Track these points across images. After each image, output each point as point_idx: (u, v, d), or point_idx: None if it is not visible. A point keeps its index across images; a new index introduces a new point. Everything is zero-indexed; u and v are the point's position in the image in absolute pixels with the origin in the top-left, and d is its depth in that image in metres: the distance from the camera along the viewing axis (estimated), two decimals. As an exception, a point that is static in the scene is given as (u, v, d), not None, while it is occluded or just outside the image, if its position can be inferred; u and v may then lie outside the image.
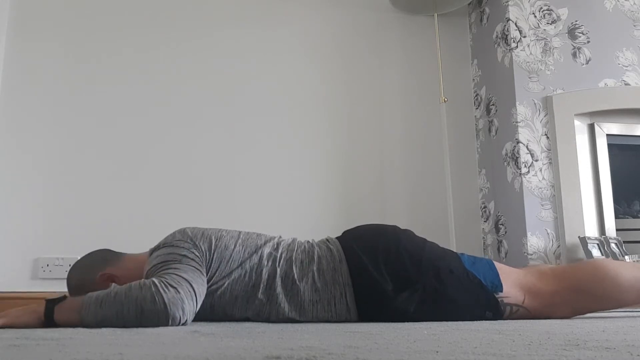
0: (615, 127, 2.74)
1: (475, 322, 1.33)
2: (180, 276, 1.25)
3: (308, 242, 1.50)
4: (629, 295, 1.42)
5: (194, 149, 2.71)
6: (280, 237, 1.52)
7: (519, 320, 1.37)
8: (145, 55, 2.76)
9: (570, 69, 2.69)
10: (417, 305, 1.36)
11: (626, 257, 2.46)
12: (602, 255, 2.39)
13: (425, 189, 2.86)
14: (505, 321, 1.36)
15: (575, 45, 2.73)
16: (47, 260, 2.49)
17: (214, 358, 0.65)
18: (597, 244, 2.43)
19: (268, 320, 1.38)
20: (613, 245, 2.47)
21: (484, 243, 2.88)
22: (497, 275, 1.41)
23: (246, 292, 1.38)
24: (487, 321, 1.36)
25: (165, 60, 2.77)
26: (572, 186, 2.55)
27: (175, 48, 2.79)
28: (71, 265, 1.50)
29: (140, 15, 2.80)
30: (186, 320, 1.21)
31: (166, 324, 1.18)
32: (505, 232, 2.68)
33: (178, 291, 1.20)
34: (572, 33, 2.74)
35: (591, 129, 2.70)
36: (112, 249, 1.56)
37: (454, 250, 1.59)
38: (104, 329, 1.09)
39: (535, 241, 2.50)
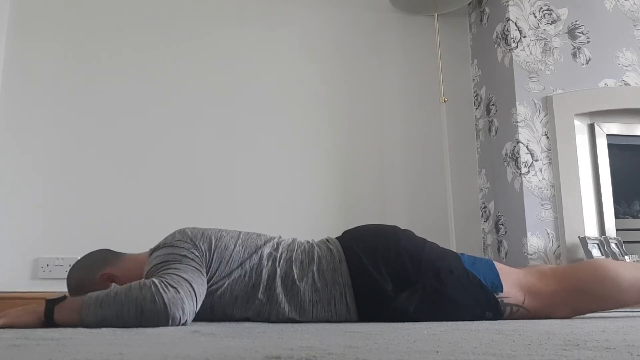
0: (615, 127, 2.74)
1: (475, 322, 1.33)
2: (180, 276, 1.25)
3: (308, 242, 1.50)
4: (629, 295, 1.42)
5: (194, 149, 2.71)
6: (280, 237, 1.52)
7: (519, 320, 1.37)
8: (145, 55, 2.76)
9: (570, 69, 2.69)
10: (417, 305, 1.36)
11: (626, 257, 2.46)
12: (602, 255, 2.39)
13: (425, 189, 2.86)
14: (505, 321, 1.36)
15: (575, 45, 2.73)
16: (47, 260, 2.49)
17: (214, 358, 0.65)
18: (597, 244, 2.43)
19: (268, 320, 1.38)
20: (613, 245, 2.47)
21: (484, 243, 2.88)
22: (497, 275, 1.41)
23: (246, 292, 1.38)
24: (487, 321, 1.36)
25: (165, 60, 2.77)
26: (572, 186, 2.55)
27: (175, 48, 2.79)
28: (71, 265, 1.50)
29: (140, 15, 2.80)
30: (186, 321, 1.21)
31: (166, 324, 1.18)
32: (505, 232, 2.68)
33: (178, 291, 1.20)
34: (572, 33, 2.74)
35: (591, 129, 2.70)
36: (112, 249, 1.56)
37: (454, 250, 1.59)
38: (104, 329, 1.09)
39: (535, 241, 2.50)
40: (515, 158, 2.62)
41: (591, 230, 2.57)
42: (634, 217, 2.75)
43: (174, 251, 1.34)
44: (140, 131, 2.68)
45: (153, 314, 1.17)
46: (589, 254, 2.38)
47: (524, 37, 2.69)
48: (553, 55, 2.70)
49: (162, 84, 2.74)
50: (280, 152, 2.78)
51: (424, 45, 3.01)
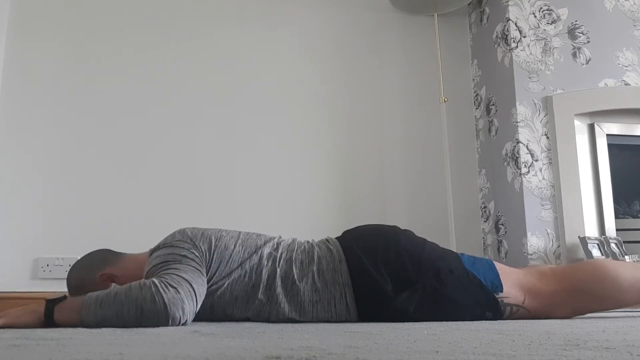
0: (615, 127, 2.74)
1: (475, 322, 1.33)
2: (180, 276, 1.25)
3: (308, 242, 1.50)
4: (629, 295, 1.42)
5: (194, 149, 2.71)
6: (280, 237, 1.52)
7: (519, 320, 1.37)
8: (145, 55, 2.76)
9: (570, 69, 2.69)
10: (417, 305, 1.36)
11: (626, 257, 2.46)
12: (602, 255, 2.39)
13: (425, 189, 2.86)
14: (505, 321, 1.36)
15: (575, 45, 2.73)
16: (47, 260, 2.49)
17: (214, 358, 0.65)
18: (597, 244, 2.43)
19: (268, 320, 1.38)
20: (613, 245, 2.47)
21: (484, 243, 2.88)
22: (497, 275, 1.41)
23: (246, 293, 1.38)
24: (487, 321, 1.36)
25: (165, 60, 2.77)
26: (572, 186, 2.55)
27: (175, 48, 2.79)
28: (71, 265, 1.50)
29: (140, 15, 2.80)
30: (186, 321, 1.22)
31: (166, 324, 1.18)
32: (505, 232, 2.68)
33: (178, 291, 1.20)
34: (572, 33, 2.74)
35: (591, 129, 2.70)
36: (112, 249, 1.56)
37: (454, 250, 1.59)
38: (104, 329, 1.09)
39: (535, 241, 2.50)
40: (515, 158, 2.62)
41: (591, 230, 2.57)
42: (634, 217, 2.74)
43: (174, 251, 1.34)
44: (140, 131, 2.68)
45: (153, 314, 1.17)
46: (589, 254, 2.38)
47: (524, 37, 2.69)
48: (553, 55, 2.70)
49: (162, 84, 2.74)
50: (280, 152, 2.78)
51: (424, 45, 3.01)
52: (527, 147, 2.59)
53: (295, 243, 1.48)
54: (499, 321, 1.36)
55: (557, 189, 2.55)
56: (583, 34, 2.74)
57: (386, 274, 1.38)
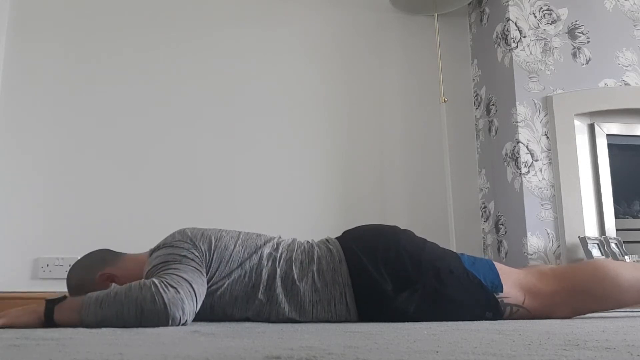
0: (615, 127, 2.74)
1: (475, 322, 1.33)
2: (180, 276, 1.25)
3: (308, 242, 1.50)
4: (629, 295, 1.42)
5: (194, 149, 2.71)
6: (280, 237, 1.52)
7: (519, 320, 1.37)
8: (145, 55, 2.76)
9: (570, 69, 2.69)
10: (417, 305, 1.36)
11: (626, 257, 2.46)
12: (602, 255, 2.39)
13: (425, 189, 2.86)
14: (505, 321, 1.36)
15: (575, 45, 2.73)
16: (47, 260, 2.49)
17: (214, 358, 0.65)
18: (597, 244, 2.43)
19: (268, 320, 1.38)
20: (613, 245, 2.47)
21: (484, 243, 2.88)
22: (497, 275, 1.41)
23: (246, 293, 1.38)
24: (487, 321, 1.36)
25: (165, 60, 2.77)
26: (572, 186, 2.55)
27: (175, 48, 2.79)
28: (71, 265, 1.50)
29: (140, 15, 2.80)
30: (186, 321, 1.22)
31: (166, 324, 1.18)
32: (505, 232, 2.68)
33: (178, 291, 1.20)
34: (572, 33, 2.74)
35: (591, 129, 2.70)
36: (112, 249, 1.56)
37: (454, 250, 1.59)
38: (104, 329, 1.09)
39: (535, 241, 2.50)
40: (515, 158, 2.62)
41: (591, 230, 2.57)
42: (634, 217, 2.74)
43: (173, 251, 1.34)
44: (140, 131, 2.68)
45: (153, 314, 1.17)
46: (589, 254, 2.38)
47: (524, 37, 2.69)
48: (553, 55, 2.70)
49: (162, 84, 2.74)
50: (280, 152, 2.78)
51: (424, 45, 3.01)
52: (527, 147, 2.59)
53: (295, 243, 1.48)
54: (499, 321, 1.36)
55: (557, 189, 2.55)
56: (583, 34, 2.74)
57: (386, 274, 1.38)
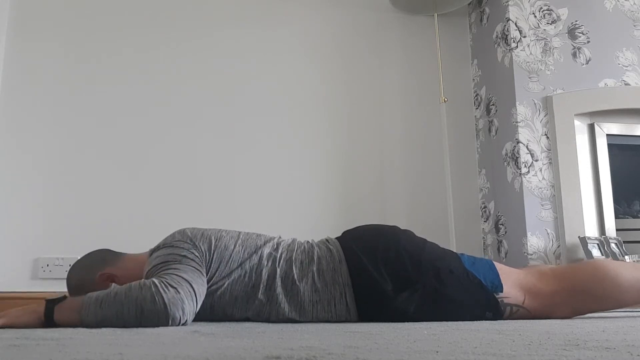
0: (615, 127, 2.74)
1: (475, 322, 1.33)
2: (180, 276, 1.25)
3: (308, 242, 1.50)
4: (629, 295, 1.42)
5: (194, 149, 2.71)
6: (280, 237, 1.52)
7: (519, 320, 1.37)
8: (145, 55, 2.76)
9: (570, 69, 2.69)
10: (417, 305, 1.36)
11: (626, 257, 2.46)
12: (602, 255, 2.39)
13: (425, 189, 2.86)
14: (505, 321, 1.36)
15: (575, 45, 2.73)
16: (47, 260, 2.49)
17: (214, 358, 0.65)
18: (597, 244, 2.43)
19: (268, 320, 1.38)
20: (613, 245, 2.47)
21: (484, 243, 2.88)
22: (497, 275, 1.41)
23: (246, 293, 1.38)
24: (487, 321, 1.36)
25: (165, 60, 2.77)
26: (572, 186, 2.55)
27: (175, 48, 2.79)
28: (71, 265, 1.50)
29: (140, 15, 2.80)
30: (186, 321, 1.22)
31: (166, 324, 1.18)
32: (505, 232, 2.68)
33: (178, 291, 1.21)
34: (572, 33, 2.74)
35: (591, 129, 2.70)
36: (112, 249, 1.56)
37: (454, 250, 1.59)
38: (104, 329, 1.09)
39: (535, 241, 2.50)
40: (515, 158, 2.62)
41: (591, 230, 2.57)
42: (634, 217, 2.74)
43: (173, 251, 1.34)
44: (140, 131, 2.68)
45: (153, 314, 1.17)
46: (589, 254, 2.38)
47: (524, 37, 2.69)
48: (553, 55, 2.70)
49: (162, 84, 2.74)
50: (280, 152, 2.78)
51: (424, 45, 3.01)
52: (527, 147, 2.59)
53: (295, 243, 1.48)
54: (499, 321, 1.36)
55: (557, 189, 2.55)
56: (583, 34, 2.74)
57: (386, 274, 1.38)
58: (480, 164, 2.95)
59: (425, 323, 1.30)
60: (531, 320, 1.37)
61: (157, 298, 1.17)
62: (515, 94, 2.63)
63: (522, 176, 2.56)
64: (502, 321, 1.36)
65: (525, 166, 2.57)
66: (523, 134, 2.60)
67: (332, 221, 2.70)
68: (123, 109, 2.69)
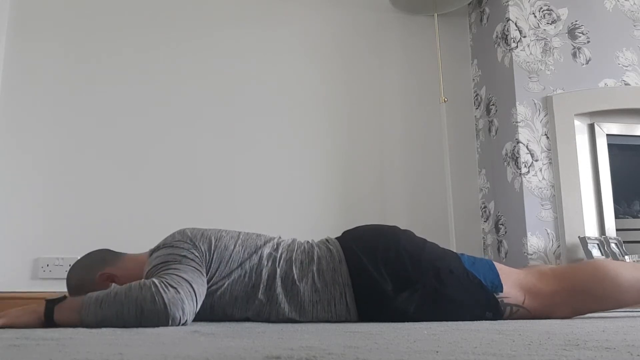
0: (615, 127, 2.74)
1: (475, 322, 1.33)
2: (180, 276, 1.25)
3: (308, 242, 1.50)
4: (629, 295, 1.42)
5: (194, 149, 2.71)
6: (279, 237, 1.52)
7: (519, 320, 1.37)
8: (145, 55, 2.76)
9: (570, 69, 2.69)
10: (417, 305, 1.36)
11: (626, 257, 2.46)
12: (602, 255, 2.39)
13: (425, 189, 2.86)
14: (505, 321, 1.36)
15: (575, 45, 2.73)
16: (47, 260, 2.49)
17: (214, 358, 0.65)
18: (597, 244, 2.43)
19: (268, 320, 1.38)
20: (613, 245, 2.47)
21: (484, 243, 2.88)
22: (497, 275, 1.41)
23: (246, 293, 1.38)
24: (487, 321, 1.36)
25: (165, 60, 2.77)
26: (572, 186, 2.55)
27: (175, 48, 2.79)
28: (71, 265, 1.50)
29: (140, 15, 2.80)
30: (186, 321, 1.22)
31: (166, 324, 1.18)
32: (505, 232, 2.68)
33: (178, 291, 1.21)
34: (572, 33, 2.74)
35: (591, 129, 2.70)
36: (112, 249, 1.56)
37: (454, 250, 1.59)
38: (104, 329, 1.09)
39: (535, 241, 2.50)
40: (515, 158, 2.62)
41: (591, 230, 2.57)
42: (634, 217, 2.74)
43: (173, 251, 1.34)
44: (140, 131, 2.68)
45: (153, 314, 1.17)
46: (589, 254, 2.38)
47: (524, 37, 2.69)
48: (553, 55, 2.70)
49: (162, 84, 2.74)
50: (280, 152, 2.78)
51: (424, 45, 3.01)
52: (527, 147, 2.59)
53: (295, 243, 1.48)
54: (499, 321, 1.36)
55: (557, 189, 2.55)
56: (583, 34, 2.74)
57: (386, 274, 1.38)
58: (480, 164, 2.95)
59: (425, 323, 1.30)
60: (531, 320, 1.37)
61: (157, 298, 1.17)
62: (515, 94, 2.63)
63: (522, 176, 2.56)
64: (502, 321, 1.36)
65: (525, 166, 2.57)
66: (523, 134, 2.60)
67: (332, 221, 2.70)
68: (123, 109, 2.69)
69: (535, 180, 2.56)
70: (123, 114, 2.69)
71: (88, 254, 1.52)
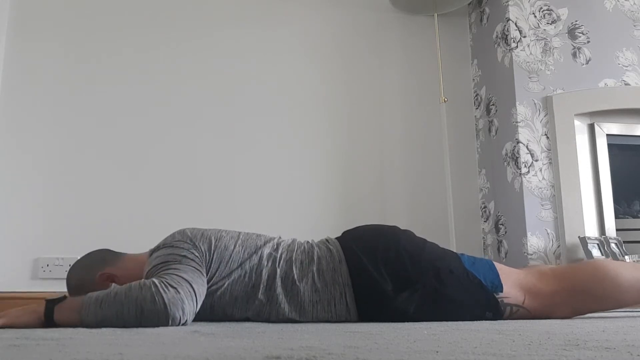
0: (615, 127, 2.74)
1: (475, 322, 1.33)
2: (180, 276, 1.25)
3: (308, 242, 1.50)
4: (629, 295, 1.42)
5: (194, 149, 2.71)
6: (279, 237, 1.52)
7: (519, 320, 1.37)
8: (145, 55, 2.76)
9: (570, 69, 2.69)
10: (417, 305, 1.36)
11: (626, 257, 2.46)
12: (602, 255, 2.39)
13: (425, 189, 2.86)
14: (505, 321, 1.36)
15: (575, 45, 2.73)
16: (47, 260, 2.49)
17: (214, 358, 0.65)
18: (597, 244, 2.43)
19: (268, 320, 1.38)
20: (613, 245, 2.47)
21: (484, 243, 2.88)
22: (497, 275, 1.41)
23: (246, 293, 1.38)
24: (487, 321, 1.36)
25: (165, 60, 2.77)
26: (572, 186, 2.55)
27: (175, 48, 2.79)
28: (71, 265, 1.50)
29: (140, 15, 2.80)
30: (186, 321, 1.22)
31: (166, 324, 1.18)
32: (505, 232, 2.68)
33: (178, 291, 1.21)
34: (572, 33, 2.74)
35: (591, 129, 2.70)
36: (112, 249, 1.56)
37: (454, 250, 1.59)
38: (104, 329, 1.09)
39: (535, 241, 2.50)
40: (515, 158, 2.62)
41: (591, 230, 2.57)
42: (634, 217, 2.74)
43: (173, 252, 1.34)
44: (140, 131, 2.68)
45: (153, 314, 1.17)
46: (589, 254, 2.38)
47: (524, 37, 2.69)
48: (553, 55, 2.70)
49: (162, 84, 2.74)
50: (280, 152, 2.78)
51: (424, 45, 3.01)
52: (527, 147, 2.59)
53: (295, 243, 1.48)
54: (499, 321, 1.36)
55: (557, 189, 2.55)
56: (583, 34, 2.74)
57: (386, 274, 1.38)
58: (480, 164, 2.95)
59: (425, 323, 1.30)
60: (531, 320, 1.37)
61: (157, 298, 1.17)
62: (515, 94, 2.63)
63: (522, 176, 2.56)
64: (502, 321, 1.36)
65: (525, 166, 2.57)
66: (523, 134, 2.60)
67: (332, 221, 2.70)
68: (123, 109, 2.69)
69: (535, 180, 2.56)
70: (123, 114, 2.69)
71: (88, 254, 1.52)
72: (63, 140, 2.62)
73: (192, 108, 2.75)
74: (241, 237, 1.45)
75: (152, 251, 1.40)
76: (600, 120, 2.71)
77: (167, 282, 1.21)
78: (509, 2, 2.72)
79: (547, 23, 2.73)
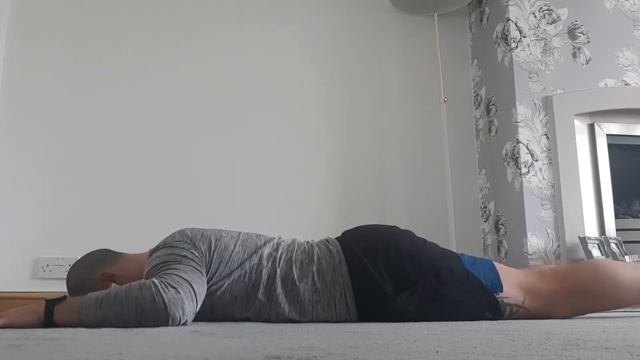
0: (615, 127, 2.74)
1: (475, 322, 1.33)
2: (180, 276, 1.25)
3: (308, 242, 1.50)
4: (629, 295, 1.42)
5: (194, 149, 2.71)
6: (279, 237, 1.52)
7: (519, 320, 1.37)
8: (145, 55, 2.76)
9: (570, 69, 2.69)
10: (417, 305, 1.36)
11: (626, 257, 2.46)
12: (602, 255, 2.39)
13: (425, 189, 2.86)
14: (505, 321, 1.36)
15: (575, 45, 2.73)
16: (47, 260, 2.49)
17: (214, 358, 0.65)
18: (597, 244, 2.43)
19: (268, 320, 1.38)
20: (613, 245, 2.47)
21: (484, 243, 2.88)
22: (497, 275, 1.41)
23: (246, 293, 1.38)
24: (487, 321, 1.36)
25: (165, 60, 2.77)
26: (572, 186, 2.55)
27: (175, 48, 2.79)
28: (71, 265, 1.50)
29: (140, 15, 2.80)
30: (186, 321, 1.22)
31: (166, 324, 1.18)
32: (505, 232, 2.68)
33: (178, 291, 1.21)
34: (572, 33, 2.74)
35: (591, 129, 2.70)
36: (112, 249, 1.56)
37: (454, 250, 1.59)
38: (104, 329, 1.09)
39: (535, 241, 2.50)
40: (515, 158, 2.62)
41: (591, 230, 2.57)
42: (634, 217, 2.74)
43: (173, 252, 1.34)
44: (140, 131, 2.68)
45: (153, 314, 1.17)
46: (589, 254, 2.38)
47: (524, 37, 2.69)
48: (553, 55, 2.70)
49: (162, 84, 2.74)
50: (280, 152, 2.78)
51: (424, 45, 3.01)
52: (527, 147, 2.59)
53: (295, 243, 1.48)
54: (499, 321, 1.36)
55: (557, 189, 2.55)
56: (583, 34, 2.74)
57: (386, 274, 1.38)
58: (480, 164, 2.95)
59: (425, 323, 1.30)
60: (531, 320, 1.37)
61: (157, 298, 1.17)
62: (515, 94, 2.63)
63: (522, 176, 2.56)
64: (502, 321, 1.36)
65: (525, 166, 2.57)
66: (523, 134, 2.60)
67: (332, 221, 2.70)
68: (123, 109, 2.69)
69: (535, 180, 2.56)
70: (123, 114, 2.69)
71: (88, 254, 1.52)
72: (63, 140, 2.62)
73: (192, 108, 2.75)
74: (241, 237, 1.45)
75: (152, 251, 1.40)
76: (600, 120, 2.71)
77: (167, 282, 1.21)
78: (509, 2, 2.72)
79: (547, 23, 2.73)
